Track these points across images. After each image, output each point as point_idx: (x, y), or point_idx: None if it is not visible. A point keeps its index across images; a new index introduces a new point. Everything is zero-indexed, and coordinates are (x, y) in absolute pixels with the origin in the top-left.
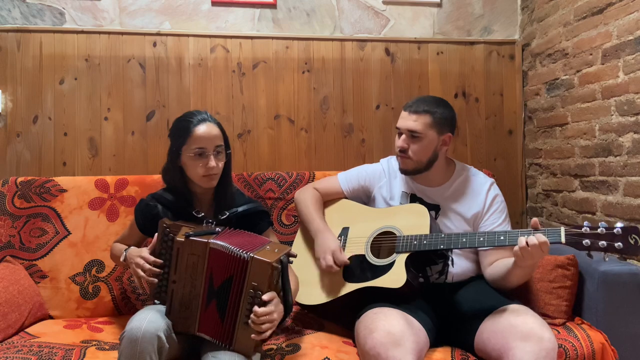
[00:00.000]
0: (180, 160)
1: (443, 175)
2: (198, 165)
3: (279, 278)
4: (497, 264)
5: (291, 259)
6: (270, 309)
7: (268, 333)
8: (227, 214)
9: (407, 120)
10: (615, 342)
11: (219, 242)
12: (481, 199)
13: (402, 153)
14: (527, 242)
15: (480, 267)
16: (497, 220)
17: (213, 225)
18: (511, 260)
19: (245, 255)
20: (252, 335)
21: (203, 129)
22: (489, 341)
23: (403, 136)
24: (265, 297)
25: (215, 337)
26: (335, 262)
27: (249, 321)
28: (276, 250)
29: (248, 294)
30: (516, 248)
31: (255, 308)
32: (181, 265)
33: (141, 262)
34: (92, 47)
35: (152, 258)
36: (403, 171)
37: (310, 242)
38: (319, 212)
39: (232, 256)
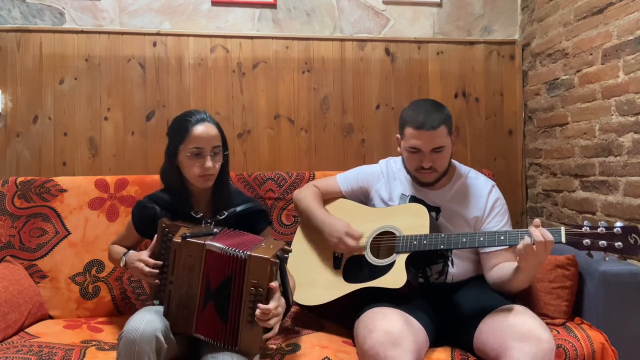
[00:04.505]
0: (177, 160)
1: (445, 178)
2: (194, 165)
3: (277, 273)
4: (499, 268)
5: (287, 255)
6: (275, 304)
7: (277, 328)
8: (226, 214)
9: (430, 140)
10: (615, 342)
11: (215, 243)
12: (482, 202)
13: (428, 170)
14: (533, 239)
15: (480, 267)
16: (499, 224)
17: (211, 226)
18: (513, 264)
19: (242, 254)
20: (265, 335)
21: (201, 129)
22: (487, 341)
23: (426, 155)
24: (273, 284)
25: (217, 339)
26: (353, 240)
27: (254, 320)
28: (271, 246)
29: (249, 293)
30: (520, 246)
31: (261, 305)
32: (178, 266)
33: (141, 265)
34: (92, 47)
35: (152, 261)
36: (425, 184)
37: (310, 241)
38: (320, 205)
39: (228, 256)
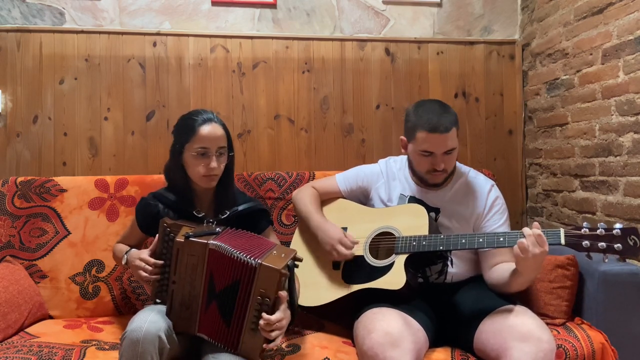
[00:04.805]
0: (182, 158)
1: (449, 177)
2: (199, 165)
3: (286, 283)
4: (498, 269)
5: (297, 262)
6: (280, 315)
7: (278, 340)
8: (228, 213)
9: (444, 143)
10: (615, 342)
11: (218, 243)
12: (482, 201)
13: (440, 171)
14: (524, 237)
15: (480, 267)
16: (497, 222)
17: (214, 225)
18: (512, 265)
19: (252, 261)
20: (264, 345)
21: (208, 129)
22: (487, 341)
23: (437, 157)
24: (281, 293)
25: (218, 341)
26: (346, 249)
27: (257, 327)
28: (283, 255)
29: (255, 301)
30: (515, 247)
31: (266, 315)
32: (181, 266)
33: (141, 264)
34: (92, 47)
35: (152, 260)
36: (434, 185)
37: (308, 242)
38: (317, 209)
39: (238, 261)
